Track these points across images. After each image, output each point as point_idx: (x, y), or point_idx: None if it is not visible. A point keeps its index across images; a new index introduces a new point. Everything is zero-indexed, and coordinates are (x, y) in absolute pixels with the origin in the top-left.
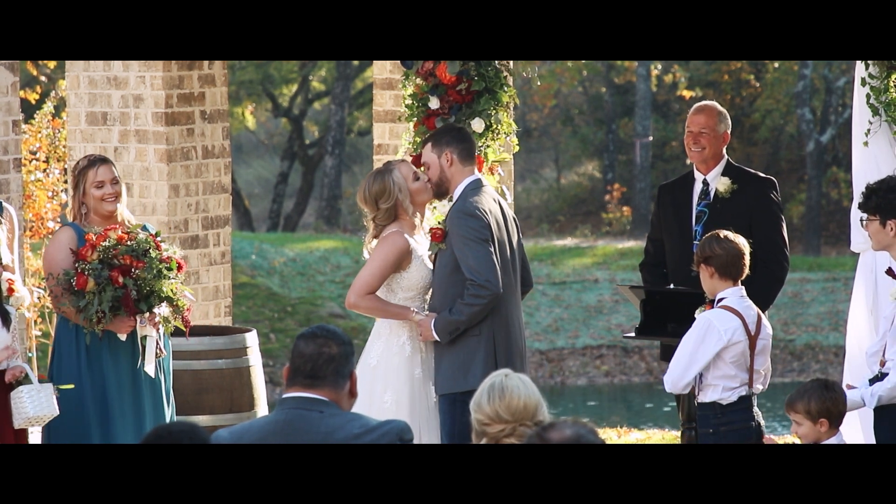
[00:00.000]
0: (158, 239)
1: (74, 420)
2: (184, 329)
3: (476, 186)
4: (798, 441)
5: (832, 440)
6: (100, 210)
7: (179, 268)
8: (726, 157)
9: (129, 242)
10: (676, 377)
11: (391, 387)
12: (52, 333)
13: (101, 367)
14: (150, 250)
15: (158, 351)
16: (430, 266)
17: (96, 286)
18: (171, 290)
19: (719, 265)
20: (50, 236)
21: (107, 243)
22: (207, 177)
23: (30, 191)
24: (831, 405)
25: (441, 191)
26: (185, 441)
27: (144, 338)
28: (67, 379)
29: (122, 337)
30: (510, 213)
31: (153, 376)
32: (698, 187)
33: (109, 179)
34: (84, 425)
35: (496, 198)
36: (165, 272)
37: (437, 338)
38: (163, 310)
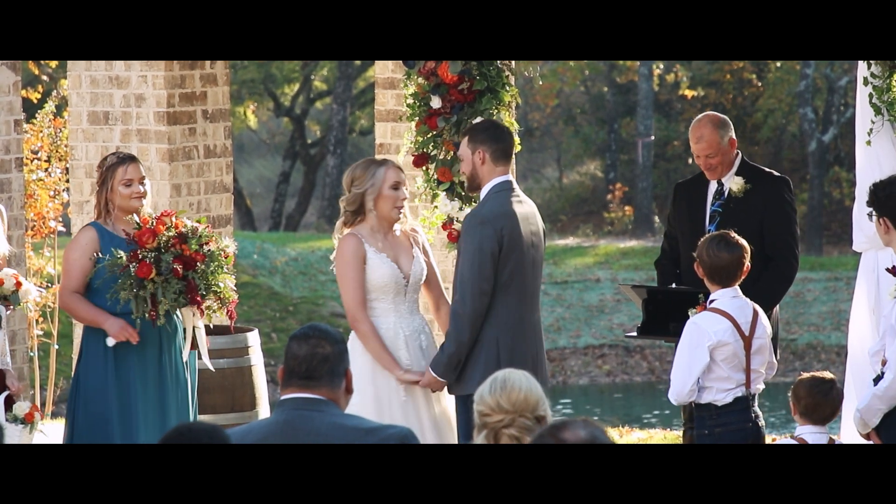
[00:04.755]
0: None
1: (98, 419)
2: (230, 321)
3: (502, 189)
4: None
5: (812, 436)
6: (126, 207)
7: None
8: (740, 154)
9: (183, 230)
10: (679, 388)
11: (356, 387)
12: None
13: (127, 367)
14: (211, 244)
15: (192, 343)
16: (394, 266)
17: (159, 276)
18: (225, 284)
19: (705, 270)
20: (52, 236)
21: (169, 232)
22: (209, 176)
23: (31, 190)
24: (799, 392)
25: (473, 185)
26: (206, 441)
27: (184, 330)
28: (94, 377)
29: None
30: (538, 219)
31: (212, 368)
32: (713, 187)
33: (138, 178)
34: (107, 424)
35: (523, 201)
36: (224, 265)
37: (445, 381)
38: (210, 301)
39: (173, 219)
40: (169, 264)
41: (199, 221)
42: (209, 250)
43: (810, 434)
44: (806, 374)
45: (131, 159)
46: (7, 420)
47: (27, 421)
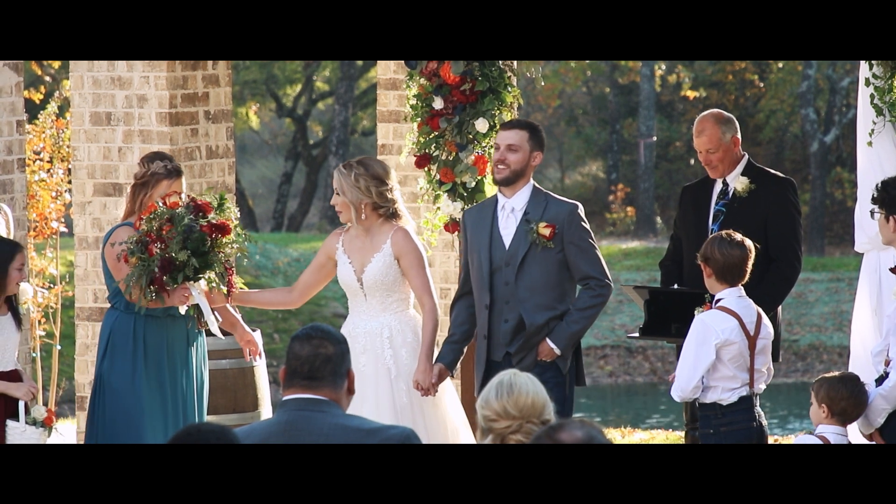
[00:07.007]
0: (222, 208)
1: (123, 418)
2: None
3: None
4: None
5: (834, 436)
6: None
7: (225, 231)
8: (746, 156)
9: (178, 209)
10: (684, 384)
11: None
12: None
13: (151, 368)
14: (181, 223)
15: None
16: (351, 268)
17: (139, 262)
18: (214, 264)
19: (716, 269)
20: (54, 237)
21: (151, 215)
22: (211, 177)
23: (34, 191)
24: (834, 395)
25: (510, 179)
26: (214, 441)
27: (196, 306)
28: (119, 376)
29: (182, 310)
30: None
31: (220, 335)
32: (718, 187)
33: (180, 194)
34: (133, 424)
35: None
36: (191, 245)
37: (558, 353)
38: (206, 279)
39: (169, 199)
40: (141, 247)
41: (221, 197)
42: (188, 232)
43: (834, 434)
44: (831, 375)
45: (178, 174)
46: (27, 422)
47: (46, 424)
